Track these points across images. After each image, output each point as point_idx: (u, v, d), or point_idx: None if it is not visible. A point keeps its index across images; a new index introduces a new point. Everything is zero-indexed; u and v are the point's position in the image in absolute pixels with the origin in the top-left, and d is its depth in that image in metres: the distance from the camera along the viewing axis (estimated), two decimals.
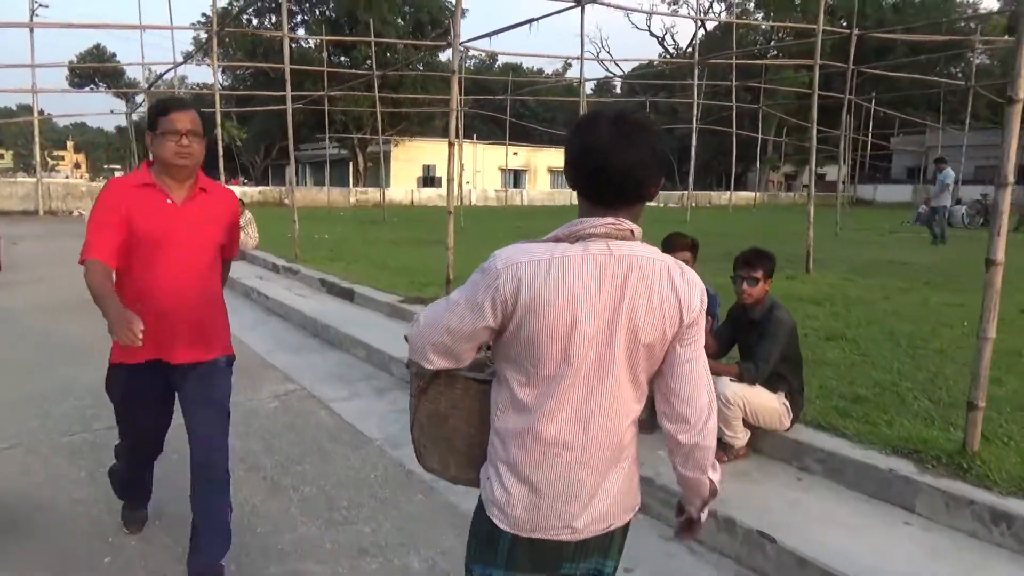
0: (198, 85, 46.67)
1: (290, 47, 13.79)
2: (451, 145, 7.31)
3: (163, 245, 2.55)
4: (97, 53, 48.10)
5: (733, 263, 3.74)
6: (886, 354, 5.21)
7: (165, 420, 2.89)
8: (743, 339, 3.76)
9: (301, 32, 39.83)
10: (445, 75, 29.72)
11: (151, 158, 2.62)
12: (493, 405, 1.54)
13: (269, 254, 11.82)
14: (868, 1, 37.95)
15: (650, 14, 46.17)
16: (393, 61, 32.21)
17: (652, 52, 60.83)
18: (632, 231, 1.45)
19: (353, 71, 27.18)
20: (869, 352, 5.27)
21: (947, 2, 44.10)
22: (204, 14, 35.69)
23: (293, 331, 7.42)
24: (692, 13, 45.35)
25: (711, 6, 36.93)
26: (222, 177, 18.36)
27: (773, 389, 3.60)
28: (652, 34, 72.48)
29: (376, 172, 33.53)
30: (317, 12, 37.90)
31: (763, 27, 43.60)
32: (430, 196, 35.73)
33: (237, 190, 24.90)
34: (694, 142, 21.75)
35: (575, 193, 1.49)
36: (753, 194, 35.37)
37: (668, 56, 47.62)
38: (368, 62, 24.56)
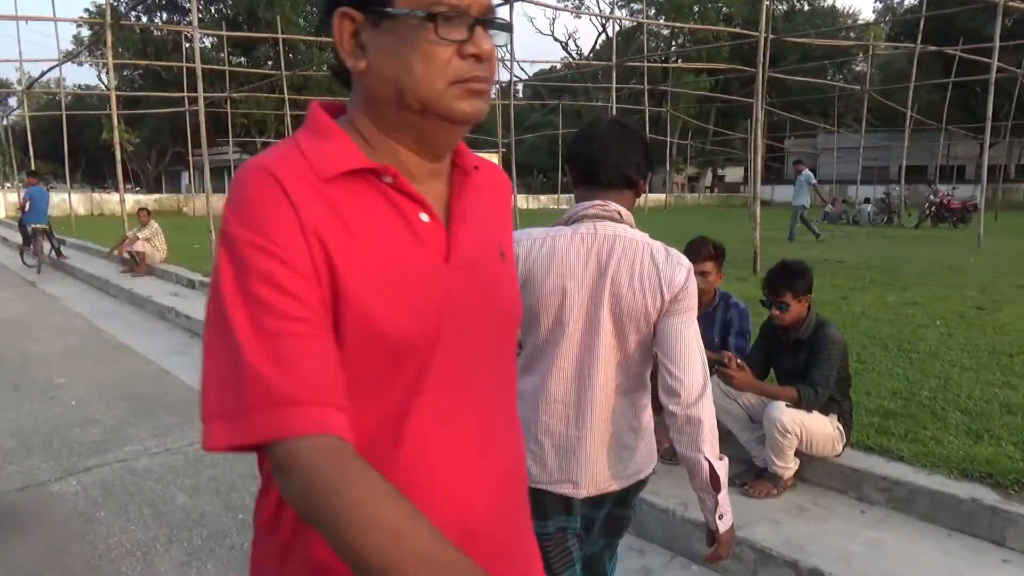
0: (78, 86, 43.33)
1: (186, 46, 12.71)
2: None
3: (447, 340, 0.91)
4: None
5: (761, 284, 3.42)
6: (885, 361, 5.01)
7: None
8: (788, 361, 3.38)
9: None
10: None
11: (348, 110, 0.96)
12: None
13: (182, 268, 10.73)
14: (762, 9, 39.56)
15: (554, 19, 46.53)
16: (297, 62, 30.74)
17: (553, 57, 61.40)
18: (620, 212, 1.63)
19: (260, 71, 25.60)
20: (865, 359, 5.06)
21: (831, 13, 47.08)
22: (87, 9, 32.97)
23: None
24: (595, 19, 46.12)
25: (612, 12, 37.46)
26: (122, 187, 16.90)
27: (825, 412, 3.24)
28: (556, 39, 73.40)
29: None
30: (212, 9, 35.75)
31: (664, 32, 44.78)
32: None
33: (131, 199, 23.06)
34: None
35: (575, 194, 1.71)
36: (664, 196, 36.04)
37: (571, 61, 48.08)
38: (270, 62, 23.27)
